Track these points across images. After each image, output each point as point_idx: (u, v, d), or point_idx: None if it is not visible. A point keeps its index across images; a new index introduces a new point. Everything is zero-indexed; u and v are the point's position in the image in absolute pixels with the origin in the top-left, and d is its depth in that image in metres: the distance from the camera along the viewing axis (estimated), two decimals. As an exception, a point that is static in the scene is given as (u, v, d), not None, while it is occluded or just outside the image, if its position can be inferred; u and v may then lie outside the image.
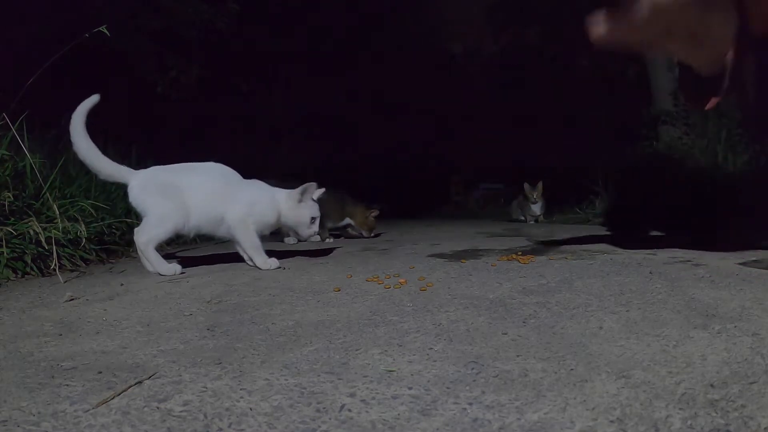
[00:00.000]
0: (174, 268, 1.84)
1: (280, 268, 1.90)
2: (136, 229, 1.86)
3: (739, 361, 0.77)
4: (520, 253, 1.99)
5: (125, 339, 1.03)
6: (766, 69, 1.09)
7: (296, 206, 2.00)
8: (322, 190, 2.12)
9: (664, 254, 1.81)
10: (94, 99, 1.91)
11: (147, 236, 1.83)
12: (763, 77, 1.11)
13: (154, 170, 1.95)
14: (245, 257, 2.00)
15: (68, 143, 2.92)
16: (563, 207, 5.48)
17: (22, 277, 1.89)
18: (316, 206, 2.05)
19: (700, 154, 4.64)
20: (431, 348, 0.89)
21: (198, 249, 3.08)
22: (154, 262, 1.83)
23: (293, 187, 2.04)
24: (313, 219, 2.03)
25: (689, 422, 0.60)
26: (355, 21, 10.64)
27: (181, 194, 1.87)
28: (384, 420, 0.64)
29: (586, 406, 0.65)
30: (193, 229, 1.94)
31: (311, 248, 2.67)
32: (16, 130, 2.00)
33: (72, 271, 2.03)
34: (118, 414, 0.68)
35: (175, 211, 1.85)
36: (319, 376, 0.78)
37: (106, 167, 1.90)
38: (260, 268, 1.88)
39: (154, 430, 0.64)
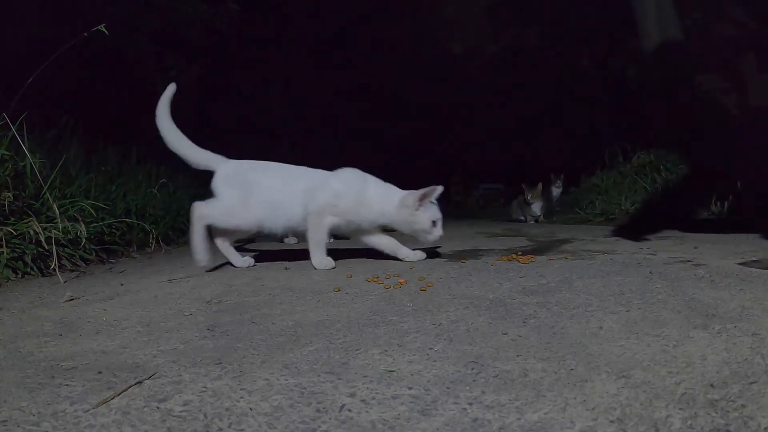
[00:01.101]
0: (205, 258, 1.80)
1: (334, 268, 1.82)
2: (198, 203, 1.82)
3: (739, 361, 0.77)
4: (520, 253, 1.99)
5: (125, 339, 1.03)
6: None
7: (413, 212, 1.80)
8: (440, 188, 1.87)
9: (664, 254, 1.81)
10: (172, 88, 1.91)
11: (203, 212, 1.80)
12: None
13: (243, 164, 1.91)
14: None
15: (68, 143, 2.94)
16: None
17: (22, 277, 1.89)
18: (435, 207, 1.84)
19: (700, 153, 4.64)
20: (431, 348, 0.89)
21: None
22: (195, 241, 1.80)
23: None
24: (434, 223, 1.83)
25: (689, 422, 0.60)
26: (355, 20, 10.64)
27: (259, 195, 1.82)
28: (384, 420, 0.64)
29: (586, 406, 0.65)
30: (279, 230, 1.89)
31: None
32: (16, 130, 2.00)
33: (72, 271, 2.03)
34: (118, 414, 0.68)
35: (243, 212, 1.81)
36: (319, 376, 0.78)
37: (196, 156, 1.89)
38: (315, 267, 1.81)
39: (154, 430, 0.64)
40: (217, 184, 1.84)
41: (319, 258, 1.83)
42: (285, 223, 1.86)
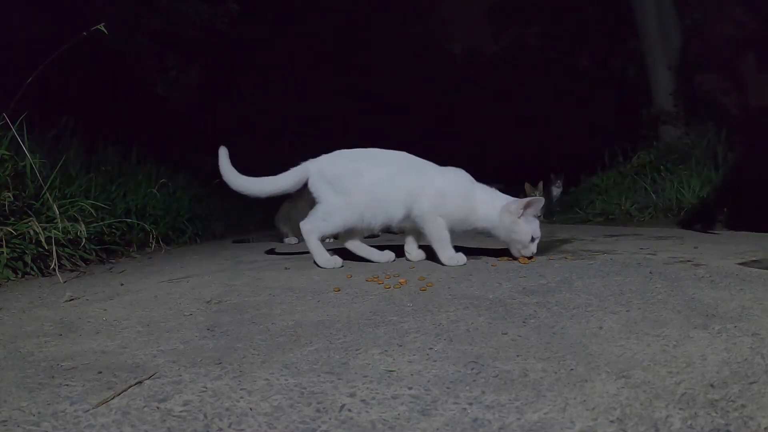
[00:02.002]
0: (334, 261, 1.79)
1: (464, 265, 1.75)
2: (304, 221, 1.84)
3: (739, 361, 0.76)
4: (520, 253, 1.99)
5: (125, 339, 1.03)
6: None
7: (515, 221, 1.72)
8: (541, 202, 1.81)
9: (664, 254, 1.81)
10: (224, 151, 1.93)
11: (307, 227, 1.81)
12: None
13: (338, 159, 1.87)
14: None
15: (68, 143, 2.94)
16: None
17: (22, 277, 1.89)
18: (537, 224, 1.77)
19: (700, 154, 4.65)
20: (431, 348, 0.89)
21: (196, 249, 3.08)
22: (314, 251, 1.81)
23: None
24: (533, 239, 1.75)
25: (689, 422, 0.60)
26: (355, 20, 10.64)
27: (359, 187, 1.77)
28: (384, 420, 0.64)
29: (586, 406, 0.65)
30: (377, 227, 1.84)
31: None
32: (16, 130, 2.00)
33: (72, 271, 2.03)
34: (118, 414, 0.68)
35: (345, 207, 1.77)
36: (319, 376, 0.78)
37: (288, 181, 1.88)
38: (444, 264, 1.76)
39: (154, 430, 0.64)
40: (314, 185, 1.83)
41: (448, 255, 1.77)
42: (384, 219, 1.82)
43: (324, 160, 1.88)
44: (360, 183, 1.78)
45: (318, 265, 1.82)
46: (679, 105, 5.64)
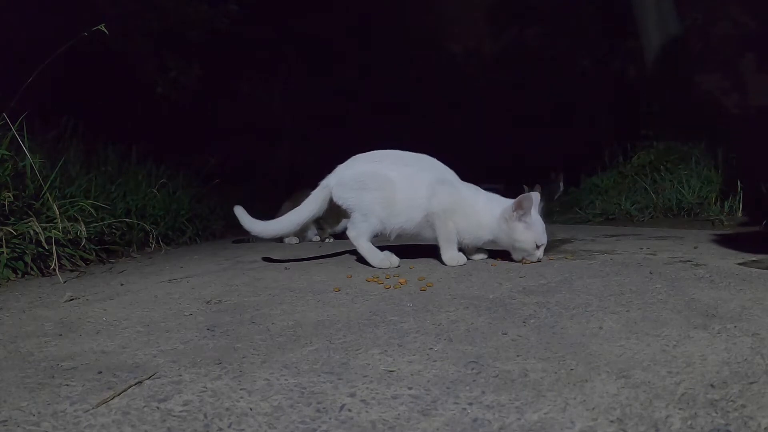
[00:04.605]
0: (390, 260, 1.76)
1: (464, 265, 1.75)
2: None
3: (739, 361, 0.76)
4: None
5: (125, 339, 1.03)
6: None
7: (512, 226, 1.68)
8: (533, 197, 1.74)
9: (664, 254, 1.81)
10: (239, 210, 1.97)
11: (352, 233, 1.80)
12: None
13: (349, 163, 1.87)
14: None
15: (68, 143, 2.94)
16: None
17: (22, 277, 1.88)
18: (540, 227, 1.72)
19: (700, 154, 4.65)
20: (431, 348, 0.89)
21: (196, 249, 3.08)
22: (366, 254, 1.79)
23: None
24: (538, 246, 1.71)
25: (689, 422, 0.60)
26: (355, 21, 10.64)
27: (381, 185, 1.76)
28: (384, 420, 0.64)
29: (586, 406, 0.65)
30: (395, 232, 1.81)
31: (311, 249, 2.67)
32: (16, 130, 2.00)
33: (72, 271, 2.03)
34: (118, 414, 0.68)
35: (378, 200, 1.76)
36: (319, 376, 0.78)
37: (312, 208, 1.88)
38: (445, 264, 1.76)
39: (154, 430, 0.64)
40: (339, 197, 1.83)
41: (450, 254, 1.76)
42: (404, 221, 1.79)
43: (341, 168, 1.88)
44: (381, 182, 1.77)
45: (373, 266, 1.77)
46: (678, 105, 5.64)
